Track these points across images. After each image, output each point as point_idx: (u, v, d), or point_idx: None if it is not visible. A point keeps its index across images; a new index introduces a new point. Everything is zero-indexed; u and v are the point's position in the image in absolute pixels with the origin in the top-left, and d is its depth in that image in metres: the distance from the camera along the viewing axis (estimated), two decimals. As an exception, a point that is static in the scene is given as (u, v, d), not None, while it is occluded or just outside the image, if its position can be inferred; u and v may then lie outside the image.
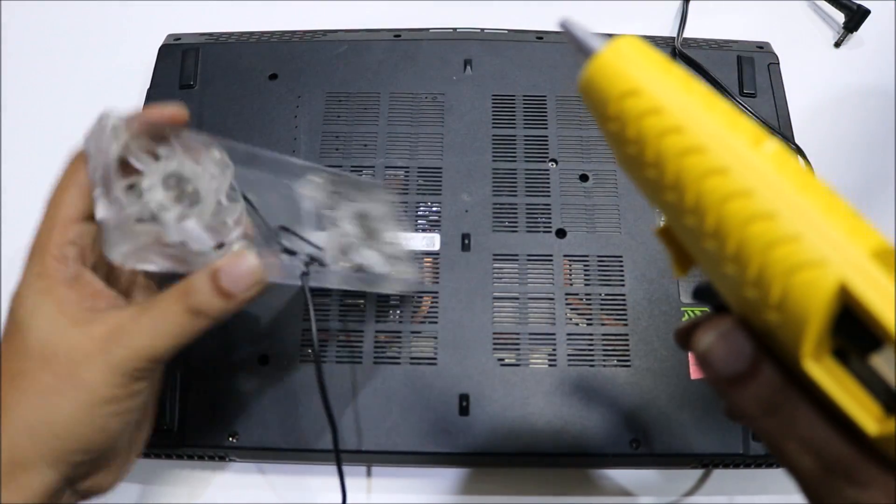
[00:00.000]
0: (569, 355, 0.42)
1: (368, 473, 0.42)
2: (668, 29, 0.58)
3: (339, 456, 0.37)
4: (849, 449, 0.19)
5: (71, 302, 0.28)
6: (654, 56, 0.20)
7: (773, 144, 0.19)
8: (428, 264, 0.43)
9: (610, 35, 0.22)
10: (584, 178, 0.47)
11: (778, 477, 0.42)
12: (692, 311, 0.43)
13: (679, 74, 0.20)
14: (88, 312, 0.28)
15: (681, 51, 0.51)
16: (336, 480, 0.42)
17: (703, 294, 0.23)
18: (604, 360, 0.42)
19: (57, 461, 0.28)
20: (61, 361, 0.27)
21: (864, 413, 0.18)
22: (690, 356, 0.42)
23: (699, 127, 0.19)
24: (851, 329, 0.17)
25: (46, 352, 0.28)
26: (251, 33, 0.53)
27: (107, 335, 0.28)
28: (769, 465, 0.41)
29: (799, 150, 0.47)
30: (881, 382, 0.17)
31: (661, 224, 0.22)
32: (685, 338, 0.22)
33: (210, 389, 0.41)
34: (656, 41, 0.53)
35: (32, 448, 0.27)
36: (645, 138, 0.20)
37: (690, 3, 0.58)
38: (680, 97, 0.19)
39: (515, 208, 0.46)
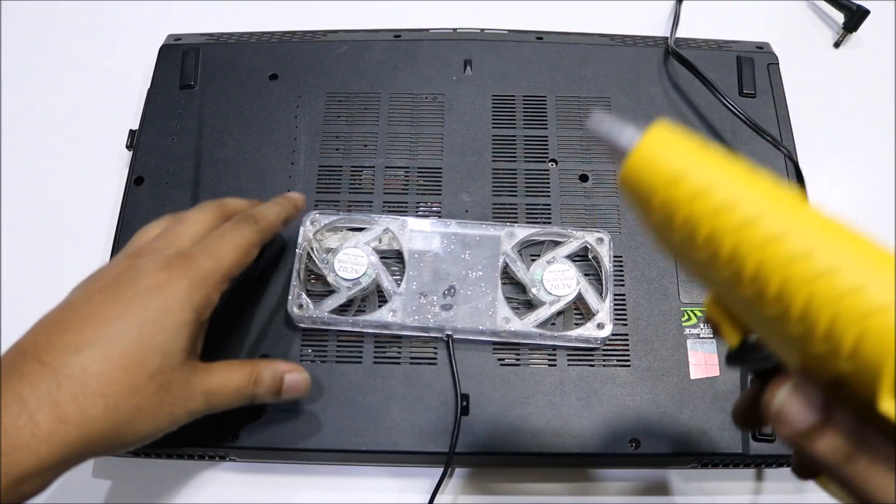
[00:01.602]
0: (569, 355, 0.42)
1: (369, 473, 0.42)
2: (662, 28, 0.58)
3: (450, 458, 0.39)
4: None
5: (196, 339, 0.34)
6: (688, 140, 0.21)
7: (812, 203, 0.20)
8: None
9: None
10: (584, 178, 0.47)
11: (779, 477, 0.42)
12: (692, 312, 0.43)
13: (716, 153, 0.21)
14: (193, 354, 0.34)
15: (674, 50, 0.51)
16: (333, 480, 0.42)
17: (742, 358, 0.23)
18: (604, 360, 0.42)
19: None
20: (162, 378, 0.32)
21: None
22: (690, 356, 0.42)
23: (749, 201, 0.19)
24: None
25: (157, 365, 0.31)
26: (251, 34, 0.53)
27: (196, 381, 0.34)
28: (769, 465, 0.41)
29: (789, 156, 0.47)
30: None
31: (708, 299, 0.23)
32: (744, 415, 0.23)
33: (210, 389, 0.40)
34: (653, 41, 0.53)
35: None
36: (697, 221, 0.20)
37: (691, 3, 0.58)
38: (723, 176, 0.20)
39: (515, 208, 0.46)
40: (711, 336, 0.42)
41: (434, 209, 0.46)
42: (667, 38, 0.54)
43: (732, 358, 0.24)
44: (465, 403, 0.40)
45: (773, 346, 0.21)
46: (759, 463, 0.41)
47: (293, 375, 0.37)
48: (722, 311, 0.23)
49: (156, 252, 0.34)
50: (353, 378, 0.41)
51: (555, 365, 0.41)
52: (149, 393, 0.31)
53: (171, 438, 0.38)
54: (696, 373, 0.41)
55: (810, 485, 0.42)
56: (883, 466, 0.20)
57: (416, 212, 0.46)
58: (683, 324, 0.43)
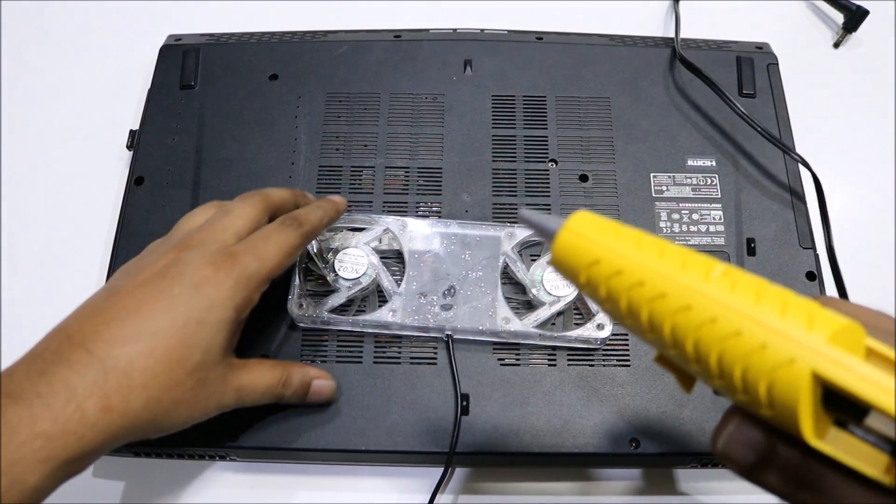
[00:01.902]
0: (568, 355, 0.42)
1: (369, 473, 0.42)
2: (661, 28, 0.59)
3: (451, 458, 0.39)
4: (885, 500, 0.20)
5: (234, 336, 0.35)
6: (604, 224, 0.24)
7: (720, 268, 0.22)
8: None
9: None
10: (583, 178, 0.47)
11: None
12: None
13: (629, 235, 0.23)
14: (230, 351, 0.35)
15: (681, 54, 0.50)
16: (333, 480, 0.42)
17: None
18: (603, 360, 0.42)
19: None
20: (200, 374, 0.33)
21: (877, 469, 0.20)
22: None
23: (656, 276, 0.22)
24: (841, 401, 0.20)
25: (197, 361, 0.32)
26: (252, 34, 0.53)
27: (230, 377, 0.35)
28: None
29: (803, 162, 0.47)
30: (883, 438, 0.20)
31: (655, 355, 0.25)
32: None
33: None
34: (653, 41, 0.53)
35: None
36: (616, 296, 0.23)
37: (690, 3, 0.58)
38: (634, 256, 0.23)
39: (515, 208, 0.46)
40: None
41: (434, 209, 0.46)
42: (666, 38, 0.54)
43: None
44: (465, 403, 0.40)
45: (717, 392, 0.23)
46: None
47: (321, 382, 0.39)
48: (669, 365, 0.25)
49: (202, 245, 0.35)
50: (353, 378, 0.41)
51: (555, 365, 0.41)
52: (187, 387, 0.32)
53: (172, 438, 0.38)
54: (695, 373, 0.41)
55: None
56: (827, 497, 0.21)
57: (416, 212, 0.46)
58: (683, 324, 0.43)
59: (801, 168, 0.48)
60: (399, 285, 0.42)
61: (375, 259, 0.43)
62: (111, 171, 0.52)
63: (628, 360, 0.42)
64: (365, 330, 0.42)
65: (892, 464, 0.19)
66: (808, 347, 0.19)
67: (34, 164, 0.53)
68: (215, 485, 0.42)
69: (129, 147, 0.49)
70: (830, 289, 0.45)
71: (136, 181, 0.47)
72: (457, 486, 0.42)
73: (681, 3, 0.58)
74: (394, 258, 0.44)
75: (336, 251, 0.43)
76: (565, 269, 0.25)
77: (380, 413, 0.40)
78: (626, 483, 0.42)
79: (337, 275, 0.42)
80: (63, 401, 0.29)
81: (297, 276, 0.42)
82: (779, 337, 0.20)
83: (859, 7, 0.56)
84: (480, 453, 0.40)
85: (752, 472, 0.23)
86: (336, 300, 0.42)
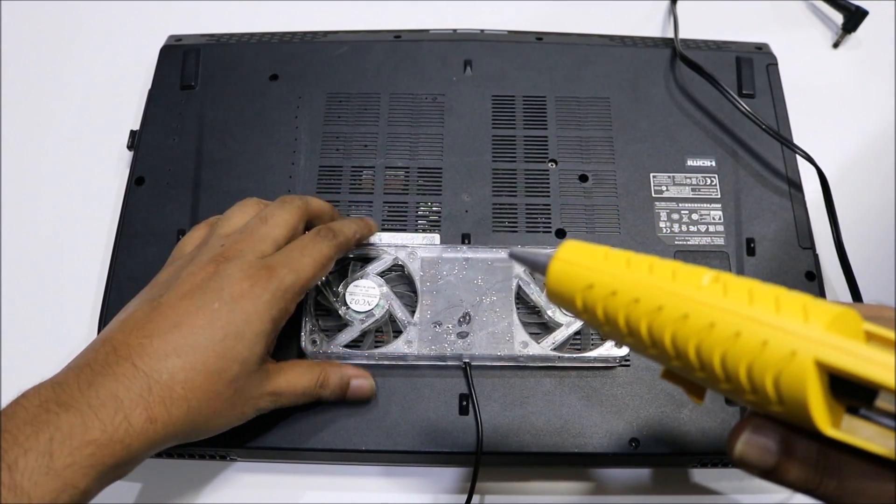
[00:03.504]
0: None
1: (372, 473, 0.42)
2: (661, 28, 0.59)
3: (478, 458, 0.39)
4: None
5: (271, 345, 0.36)
6: (593, 250, 0.25)
7: (709, 275, 0.23)
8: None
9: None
10: (583, 178, 0.47)
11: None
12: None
13: (618, 256, 0.24)
14: (266, 358, 0.36)
15: (682, 53, 0.51)
16: (335, 480, 0.42)
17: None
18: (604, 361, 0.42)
19: None
20: (238, 384, 0.34)
21: (892, 447, 0.20)
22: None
23: (650, 291, 0.23)
24: (849, 387, 0.20)
25: (236, 372, 0.34)
26: (252, 34, 0.53)
27: (267, 383, 0.36)
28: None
29: (809, 159, 0.47)
30: (894, 417, 0.20)
31: (662, 371, 0.26)
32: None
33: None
34: (652, 42, 0.53)
35: None
36: (614, 316, 0.24)
37: (690, 3, 0.58)
38: (625, 274, 0.24)
39: (515, 208, 0.46)
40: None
41: (434, 209, 0.46)
42: (665, 38, 0.54)
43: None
44: (465, 403, 0.40)
45: (727, 397, 0.23)
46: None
47: (359, 381, 0.39)
48: (677, 378, 0.25)
49: (240, 257, 0.36)
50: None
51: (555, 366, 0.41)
52: (226, 397, 0.34)
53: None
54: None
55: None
56: (852, 483, 0.21)
57: (416, 212, 0.46)
58: (683, 324, 0.43)
59: (805, 167, 0.48)
60: (413, 315, 0.42)
61: (387, 289, 0.42)
62: (112, 171, 0.52)
63: (628, 361, 0.42)
64: (382, 363, 0.41)
65: None
66: (808, 338, 0.20)
67: (35, 164, 0.53)
68: (217, 485, 0.42)
69: (129, 147, 0.50)
70: (839, 287, 0.45)
71: (136, 181, 0.47)
72: (457, 486, 0.42)
73: (681, 3, 0.58)
74: (405, 287, 0.43)
75: (346, 283, 0.42)
76: (561, 298, 0.26)
77: (380, 413, 0.40)
78: (626, 483, 0.42)
79: (349, 308, 0.41)
80: (111, 412, 0.30)
81: (307, 311, 0.41)
82: (777, 332, 0.20)
83: (859, 7, 0.56)
84: (480, 453, 0.40)
85: (773, 474, 0.23)
86: (349, 334, 0.41)
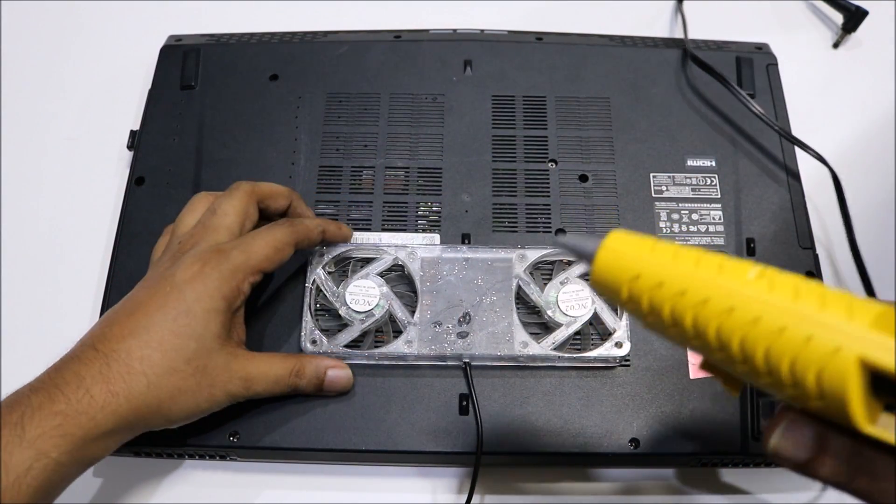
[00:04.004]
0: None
1: (370, 473, 0.42)
2: (661, 28, 0.59)
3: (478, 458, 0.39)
4: None
5: (228, 325, 0.37)
6: (640, 241, 0.25)
7: (755, 270, 0.23)
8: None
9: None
10: (583, 178, 0.47)
11: (779, 476, 0.42)
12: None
13: (665, 248, 0.25)
14: (230, 342, 0.37)
15: (692, 54, 0.50)
16: (335, 480, 0.42)
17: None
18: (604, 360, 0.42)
19: None
20: (198, 361, 0.35)
21: None
22: (689, 356, 0.42)
23: (697, 284, 0.23)
24: (889, 385, 0.20)
25: (193, 349, 0.35)
26: (252, 34, 0.53)
27: (235, 366, 0.37)
28: (768, 465, 0.41)
29: (821, 159, 0.47)
30: None
31: (702, 362, 0.26)
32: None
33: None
34: (652, 42, 0.53)
35: None
36: (659, 307, 0.24)
37: (690, 3, 0.58)
38: (672, 267, 0.24)
39: (515, 208, 0.46)
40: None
41: (434, 209, 0.46)
42: (665, 38, 0.54)
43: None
44: (465, 403, 0.40)
45: (764, 391, 0.23)
46: (759, 462, 0.41)
47: (336, 371, 0.40)
48: (715, 370, 0.26)
49: (194, 247, 0.38)
50: (353, 378, 0.41)
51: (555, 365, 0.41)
52: (186, 374, 0.35)
53: (173, 437, 0.38)
54: (695, 373, 0.41)
55: (810, 483, 0.42)
56: (883, 481, 0.22)
57: (416, 212, 0.46)
58: (683, 324, 0.43)
59: (808, 167, 0.48)
60: (413, 315, 0.42)
61: (387, 289, 0.42)
62: (112, 171, 0.52)
63: (628, 361, 0.42)
64: (381, 363, 0.41)
65: None
66: (852, 335, 0.20)
67: (35, 164, 0.53)
68: (216, 485, 0.42)
69: (129, 147, 0.50)
70: (852, 284, 0.45)
71: (136, 181, 0.47)
72: (457, 486, 0.42)
73: (683, 3, 0.58)
74: (405, 287, 0.43)
75: (346, 283, 0.42)
76: (606, 287, 0.26)
77: (380, 413, 0.40)
78: (626, 483, 0.42)
79: (349, 308, 0.41)
80: (74, 387, 0.33)
81: (308, 311, 0.42)
82: (822, 328, 0.21)
83: (859, 7, 0.56)
84: (480, 453, 0.40)
85: (805, 468, 0.23)
86: (349, 334, 0.41)
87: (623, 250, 0.25)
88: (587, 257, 0.26)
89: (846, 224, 0.45)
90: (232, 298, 0.37)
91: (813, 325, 0.21)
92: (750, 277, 0.23)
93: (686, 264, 0.24)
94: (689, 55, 0.51)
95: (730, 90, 0.49)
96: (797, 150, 0.48)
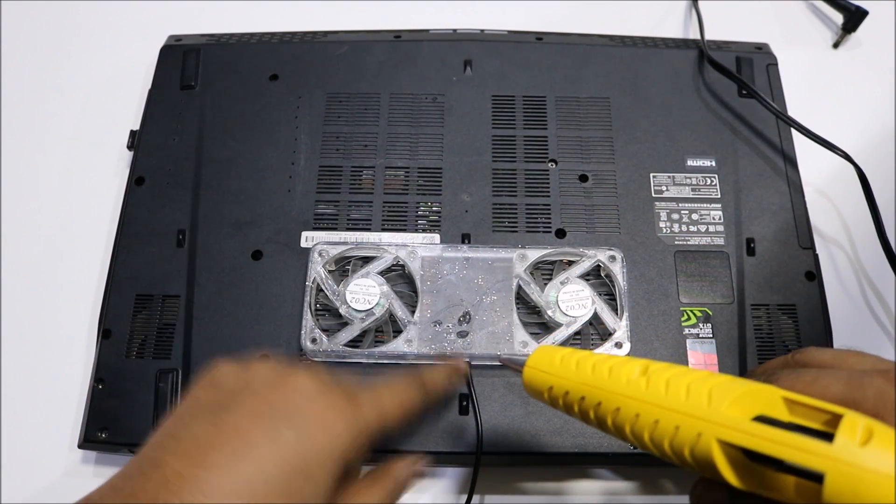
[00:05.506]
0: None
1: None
2: (661, 28, 0.59)
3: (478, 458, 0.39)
4: None
5: (339, 483, 0.29)
6: (554, 356, 0.31)
7: (637, 369, 0.28)
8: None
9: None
10: (583, 178, 0.47)
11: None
12: (691, 312, 0.43)
13: (569, 361, 0.30)
14: (338, 491, 0.30)
15: (710, 56, 0.50)
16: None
17: None
18: (603, 360, 0.42)
19: None
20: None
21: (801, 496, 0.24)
22: (689, 356, 0.42)
23: (591, 391, 0.29)
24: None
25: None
26: (252, 34, 0.53)
27: None
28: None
29: (847, 157, 0.46)
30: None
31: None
32: None
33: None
34: (652, 42, 0.53)
35: None
36: (570, 408, 0.30)
37: (690, 3, 0.58)
38: (575, 377, 0.30)
39: (515, 208, 0.46)
40: (711, 336, 0.42)
41: (434, 209, 0.46)
42: (666, 38, 0.54)
43: None
44: (465, 403, 0.40)
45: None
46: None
47: (456, 366, 0.37)
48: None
49: (308, 367, 0.31)
50: (352, 377, 0.41)
51: (555, 365, 0.41)
52: None
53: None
54: (695, 372, 0.41)
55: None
56: None
57: (416, 212, 0.46)
58: (683, 324, 0.43)
59: (821, 166, 0.48)
60: (413, 314, 0.42)
61: (387, 288, 0.42)
62: (112, 171, 0.52)
63: (628, 360, 0.42)
64: (381, 361, 0.41)
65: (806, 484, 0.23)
66: (710, 420, 0.25)
67: (35, 164, 0.53)
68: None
69: (129, 147, 0.50)
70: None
71: (136, 181, 0.47)
72: (456, 486, 0.42)
73: (682, 3, 0.58)
74: (405, 286, 0.43)
75: (346, 282, 0.42)
76: (533, 393, 0.32)
77: (380, 413, 0.40)
78: (626, 483, 0.42)
79: (349, 307, 0.41)
80: None
81: (308, 310, 0.42)
82: (686, 417, 0.25)
83: (858, 7, 0.56)
84: (480, 453, 0.40)
85: None
86: (349, 333, 0.41)
87: (540, 367, 0.31)
88: (518, 372, 0.33)
89: (875, 221, 0.45)
90: (353, 463, 0.30)
91: (679, 417, 0.26)
92: (633, 377, 0.28)
93: (584, 373, 0.29)
94: (706, 56, 0.51)
95: (749, 92, 0.48)
96: (798, 148, 0.48)
